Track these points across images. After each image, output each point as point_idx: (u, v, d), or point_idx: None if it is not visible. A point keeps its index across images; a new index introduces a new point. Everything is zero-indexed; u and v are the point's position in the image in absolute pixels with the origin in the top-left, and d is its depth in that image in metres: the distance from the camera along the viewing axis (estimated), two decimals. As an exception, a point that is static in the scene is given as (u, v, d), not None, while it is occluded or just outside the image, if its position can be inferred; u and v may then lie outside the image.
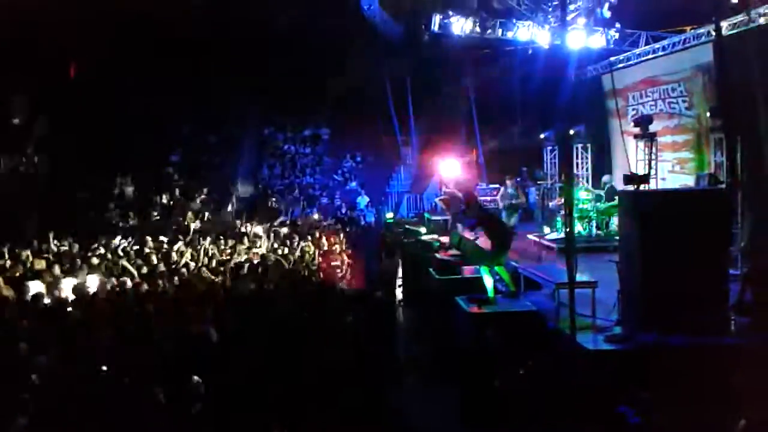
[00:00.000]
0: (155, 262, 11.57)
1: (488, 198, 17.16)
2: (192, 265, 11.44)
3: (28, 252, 12.07)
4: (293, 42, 21.88)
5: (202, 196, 20.83)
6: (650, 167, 12.53)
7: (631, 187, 9.60)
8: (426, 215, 18.46)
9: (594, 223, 14.07)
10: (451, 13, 16.37)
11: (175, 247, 13.12)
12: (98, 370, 6.32)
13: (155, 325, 7.71)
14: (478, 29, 16.47)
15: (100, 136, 19.76)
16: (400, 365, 9.12)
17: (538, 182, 19.33)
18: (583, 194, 14.34)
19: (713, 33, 12.05)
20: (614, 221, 13.52)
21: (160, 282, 9.93)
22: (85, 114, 19.58)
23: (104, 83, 20.13)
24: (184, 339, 7.18)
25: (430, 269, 11.39)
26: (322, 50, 21.52)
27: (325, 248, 14.28)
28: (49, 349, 6.71)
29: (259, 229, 16.48)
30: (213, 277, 10.56)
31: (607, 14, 15.03)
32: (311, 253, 13.56)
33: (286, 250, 13.51)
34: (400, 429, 6.36)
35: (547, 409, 6.27)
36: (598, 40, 16.25)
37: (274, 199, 22.84)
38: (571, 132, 16.37)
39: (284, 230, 17.07)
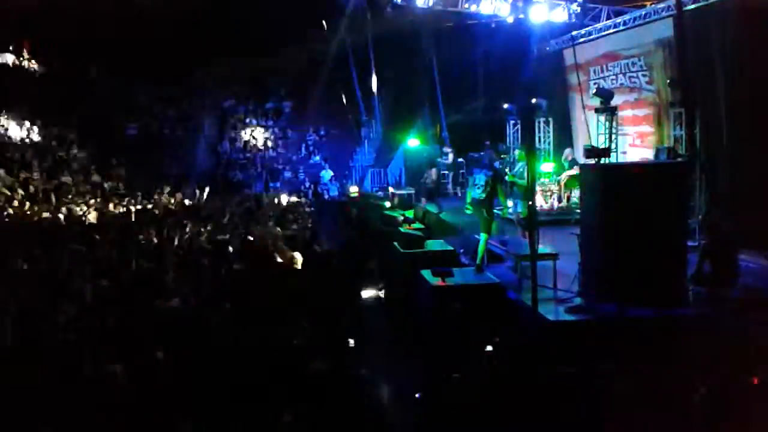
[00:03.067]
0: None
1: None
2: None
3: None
4: (253, 12, 21.50)
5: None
6: (611, 141, 12.67)
7: (591, 161, 9.69)
8: (390, 189, 18.44)
9: (555, 196, 14.19)
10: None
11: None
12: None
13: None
14: (440, 1, 16.37)
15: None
16: (365, 337, 9.11)
17: (502, 156, 19.39)
18: (546, 167, 14.40)
19: (673, 8, 12.12)
20: (575, 194, 13.65)
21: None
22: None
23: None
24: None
25: (395, 243, 11.36)
26: (283, 21, 21.17)
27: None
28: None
29: None
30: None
31: None
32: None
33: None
34: (364, 400, 6.37)
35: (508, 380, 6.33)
36: (560, 15, 16.29)
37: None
38: (533, 101, 16.44)
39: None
